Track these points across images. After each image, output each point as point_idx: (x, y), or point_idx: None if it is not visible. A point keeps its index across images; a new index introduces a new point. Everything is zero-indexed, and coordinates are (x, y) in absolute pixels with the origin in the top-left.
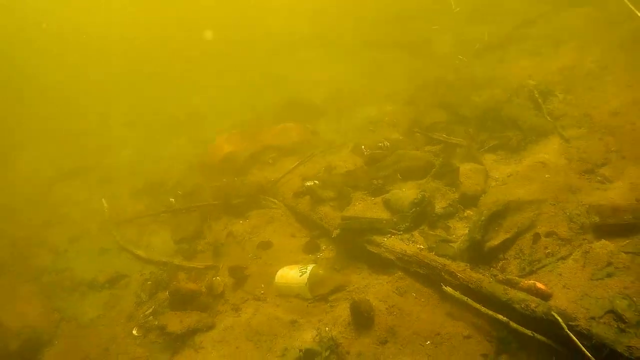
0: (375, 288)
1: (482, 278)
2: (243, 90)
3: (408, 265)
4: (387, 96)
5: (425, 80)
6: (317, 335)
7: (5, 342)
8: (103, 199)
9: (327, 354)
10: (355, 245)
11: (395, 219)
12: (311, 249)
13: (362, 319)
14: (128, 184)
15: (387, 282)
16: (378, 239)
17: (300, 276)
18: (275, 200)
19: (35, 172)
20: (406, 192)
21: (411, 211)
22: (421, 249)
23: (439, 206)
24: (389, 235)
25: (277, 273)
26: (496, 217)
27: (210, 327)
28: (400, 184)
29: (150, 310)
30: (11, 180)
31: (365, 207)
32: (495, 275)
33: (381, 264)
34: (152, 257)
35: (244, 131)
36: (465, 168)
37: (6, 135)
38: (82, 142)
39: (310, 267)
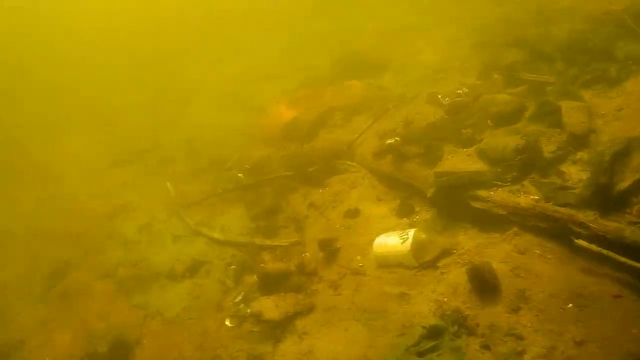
0: (489, 249)
1: (621, 226)
2: (292, 51)
3: (524, 220)
4: (450, 41)
5: (489, 20)
6: (438, 308)
7: (94, 346)
8: (167, 183)
9: (454, 328)
10: (455, 203)
11: (499, 170)
12: (404, 211)
13: (485, 284)
14: (189, 163)
15: (501, 241)
16: (483, 193)
17: (402, 243)
18: (354, 164)
19: (89, 158)
20: (504, 139)
21: (516, 159)
22: (537, 200)
23: (547, 150)
24: (495, 188)
25: (374, 242)
26: (620, 157)
27: (310, 309)
28: (492, 131)
29: (240, 297)
30: (65, 169)
31: (459, 161)
32: (635, 223)
33: (490, 221)
34: (230, 238)
35: (303, 94)
36: (564, 107)
37: (54, 122)
38: (133, 124)
39: (411, 232)
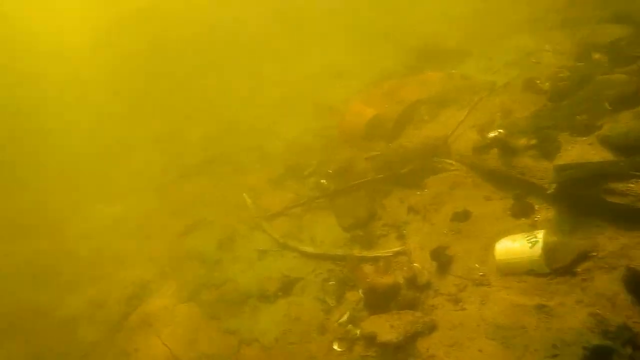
0: (638, 250)
1: None
2: (360, 46)
3: None
4: (532, 22)
5: None
6: (597, 324)
7: None
8: (244, 194)
9: (628, 350)
10: (583, 199)
11: (637, 158)
12: (522, 211)
13: None
14: (264, 171)
15: None
16: (619, 186)
17: (531, 247)
18: (452, 161)
19: (154, 173)
20: (633, 124)
21: None
22: None
23: None
24: (634, 179)
25: (496, 247)
26: None
27: (431, 328)
28: (613, 115)
29: (346, 316)
30: (131, 184)
31: (581, 151)
32: None
33: (631, 218)
34: (324, 251)
35: (380, 90)
36: None
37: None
38: (197, 133)
39: (540, 234)
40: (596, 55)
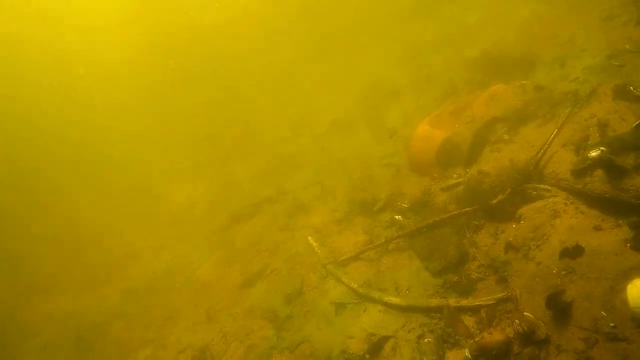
0: None
1: None
2: (410, 60)
3: None
4: (604, 20)
5: None
6: None
7: None
8: (309, 237)
9: None
10: None
11: None
12: None
13: None
14: (325, 209)
15: None
16: None
17: None
18: (548, 187)
19: (203, 213)
20: None
21: None
22: None
23: None
24: None
25: (629, 292)
26: None
27: None
28: None
29: None
30: (178, 229)
31: None
32: None
33: None
34: (414, 302)
35: (445, 108)
36: None
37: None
38: (244, 168)
39: None
40: None
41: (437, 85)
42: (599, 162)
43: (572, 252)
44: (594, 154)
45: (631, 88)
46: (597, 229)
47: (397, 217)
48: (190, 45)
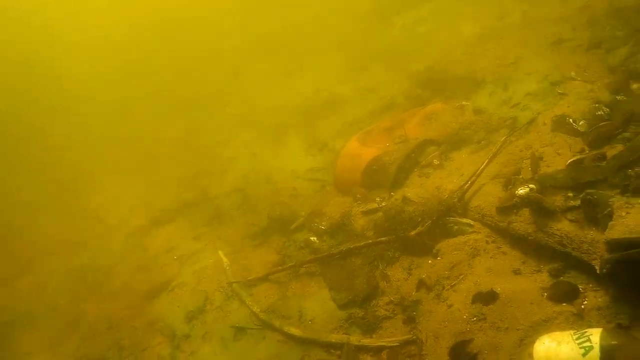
0: None
1: None
2: (354, 71)
3: None
4: (553, 44)
5: (596, 11)
6: None
7: None
8: (220, 251)
9: None
10: None
11: None
12: (563, 294)
13: None
14: (245, 221)
15: None
16: None
17: (585, 355)
18: (471, 222)
19: (122, 216)
20: None
21: None
22: None
23: None
24: None
25: (535, 350)
26: None
27: None
28: None
29: None
30: (95, 231)
31: (638, 218)
32: None
33: None
34: (314, 336)
35: (380, 125)
36: None
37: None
38: (170, 171)
39: (595, 335)
40: (635, 85)
41: (376, 98)
42: (526, 201)
43: (486, 297)
44: (522, 191)
45: (570, 120)
46: (517, 272)
47: (312, 238)
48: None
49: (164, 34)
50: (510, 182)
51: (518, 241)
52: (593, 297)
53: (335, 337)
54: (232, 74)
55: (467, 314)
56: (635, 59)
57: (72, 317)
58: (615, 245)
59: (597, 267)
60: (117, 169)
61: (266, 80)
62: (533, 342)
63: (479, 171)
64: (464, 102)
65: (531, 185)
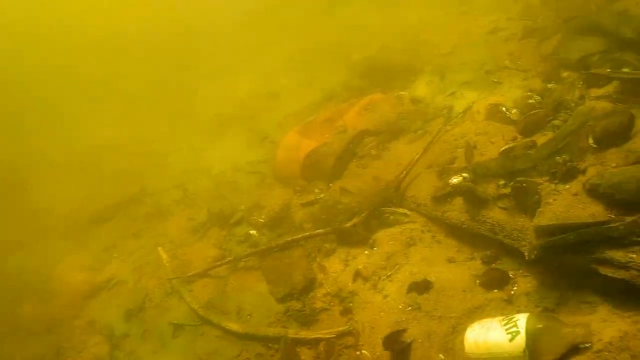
0: None
1: None
2: (299, 62)
3: None
4: (490, 33)
5: (532, 2)
6: None
7: None
8: (159, 248)
9: None
10: (570, 267)
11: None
12: (494, 281)
13: None
14: (184, 216)
15: None
16: (617, 254)
17: (511, 340)
18: (406, 211)
19: (60, 214)
20: (629, 170)
21: None
22: None
23: None
24: (637, 247)
25: (466, 337)
26: None
27: None
28: (598, 155)
29: None
30: (31, 230)
31: (565, 204)
32: None
33: (631, 293)
34: (252, 330)
35: (320, 117)
36: None
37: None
38: (111, 166)
39: (521, 320)
40: (565, 74)
41: (318, 89)
42: (459, 190)
43: (420, 287)
44: (455, 180)
45: (503, 109)
46: (451, 261)
47: (251, 232)
48: None
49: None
50: (444, 171)
51: (452, 230)
52: (523, 283)
53: (272, 331)
54: (175, 67)
55: (402, 304)
56: (565, 48)
57: (8, 320)
58: (542, 232)
59: (525, 254)
60: (57, 164)
61: (208, 74)
62: (465, 329)
63: (414, 161)
64: (402, 92)
65: (464, 174)
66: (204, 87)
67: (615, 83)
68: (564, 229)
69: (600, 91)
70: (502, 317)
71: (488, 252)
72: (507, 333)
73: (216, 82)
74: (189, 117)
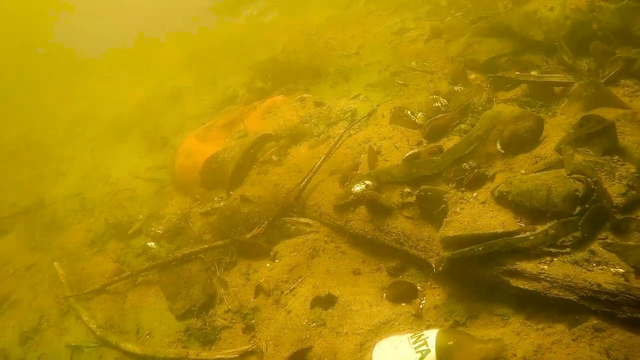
0: (557, 353)
1: None
2: (199, 62)
3: (610, 307)
4: (395, 34)
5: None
6: None
7: None
8: (56, 263)
9: None
10: (478, 278)
11: (550, 229)
12: (403, 295)
13: None
14: (81, 227)
15: (573, 339)
16: (529, 266)
17: (421, 359)
18: (309, 221)
19: None
20: (539, 177)
21: (577, 211)
22: (625, 275)
23: (614, 192)
24: (548, 258)
25: (374, 356)
26: None
27: None
28: (506, 161)
29: None
30: None
31: (473, 213)
32: None
33: (541, 303)
34: (152, 352)
35: (219, 120)
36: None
37: None
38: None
39: (431, 337)
40: (472, 76)
41: (219, 91)
42: (362, 198)
43: (324, 301)
44: (357, 188)
45: (408, 112)
46: (356, 272)
47: (150, 244)
48: None
49: None
50: (347, 179)
51: (357, 240)
52: (431, 296)
53: (173, 352)
54: (72, 66)
55: (306, 320)
56: (472, 50)
57: None
58: (450, 243)
59: (433, 266)
60: None
61: (109, 75)
62: (373, 346)
63: (315, 167)
64: (305, 94)
65: (367, 182)
66: (104, 88)
67: (523, 86)
68: (472, 239)
69: (509, 94)
70: (412, 334)
71: (394, 264)
72: (417, 352)
73: (115, 84)
74: (88, 120)
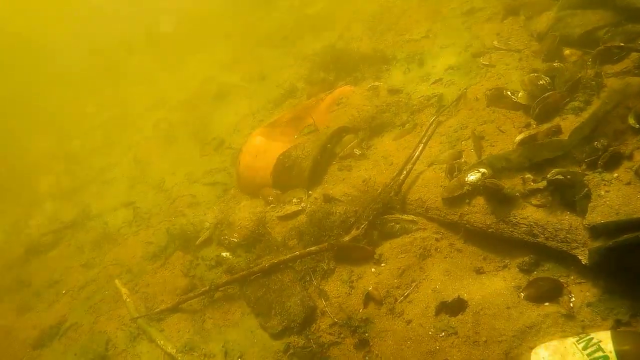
0: None
1: None
2: (245, 56)
3: None
4: (467, 14)
5: None
6: None
7: None
8: (116, 280)
9: None
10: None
11: None
12: (546, 293)
13: None
14: (139, 240)
15: None
16: None
17: None
18: (413, 217)
19: None
20: None
21: None
22: None
23: None
24: None
25: None
26: None
27: None
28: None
29: None
30: None
31: (621, 196)
32: None
33: None
34: None
35: (284, 116)
36: None
37: None
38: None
39: (603, 339)
40: (567, 51)
41: (272, 86)
42: (480, 188)
43: (452, 307)
44: (472, 177)
45: (508, 93)
46: (479, 271)
47: (224, 254)
48: None
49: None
50: (454, 168)
51: (472, 235)
52: (579, 292)
53: None
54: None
55: (432, 329)
56: (564, 24)
57: None
58: (600, 231)
59: (581, 258)
60: None
61: (145, 75)
62: (522, 354)
63: (414, 158)
64: (376, 83)
65: (482, 170)
66: (140, 91)
67: (633, 57)
68: (629, 225)
69: (616, 67)
70: (577, 338)
71: (526, 258)
72: (588, 356)
73: (153, 85)
74: (127, 124)
